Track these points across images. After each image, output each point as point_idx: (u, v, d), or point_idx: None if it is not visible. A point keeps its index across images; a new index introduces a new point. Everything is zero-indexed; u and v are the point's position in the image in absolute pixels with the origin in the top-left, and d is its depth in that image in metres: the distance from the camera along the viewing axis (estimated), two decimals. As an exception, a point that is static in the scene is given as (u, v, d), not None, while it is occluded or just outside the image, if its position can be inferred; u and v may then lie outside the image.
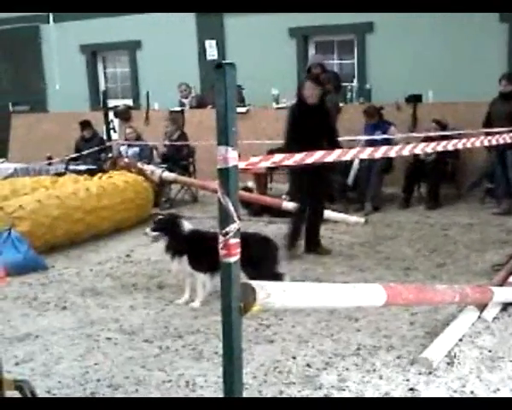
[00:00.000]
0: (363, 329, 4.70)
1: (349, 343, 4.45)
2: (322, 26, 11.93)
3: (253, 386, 3.84)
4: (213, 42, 12.95)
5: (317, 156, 3.60)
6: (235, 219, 2.72)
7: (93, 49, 14.31)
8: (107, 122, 10.15)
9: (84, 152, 10.42)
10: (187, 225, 5.45)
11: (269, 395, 3.74)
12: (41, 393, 3.72)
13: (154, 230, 5.40)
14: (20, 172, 10.69)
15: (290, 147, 5.89)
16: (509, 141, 5.27)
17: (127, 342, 4.66)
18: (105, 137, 10.31)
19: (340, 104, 10.10)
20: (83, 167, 10.10)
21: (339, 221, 7.98)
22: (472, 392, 3.70)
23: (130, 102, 13.84)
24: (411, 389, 3.75)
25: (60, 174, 9.55)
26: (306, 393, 3.75)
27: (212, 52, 12.96)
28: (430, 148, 4.49)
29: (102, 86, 14.37)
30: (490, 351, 4.23)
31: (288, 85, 10.89)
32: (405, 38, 11.29)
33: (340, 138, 7.04)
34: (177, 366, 4.21)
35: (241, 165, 2.82)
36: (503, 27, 10.78)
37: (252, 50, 12.13)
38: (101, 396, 3.82)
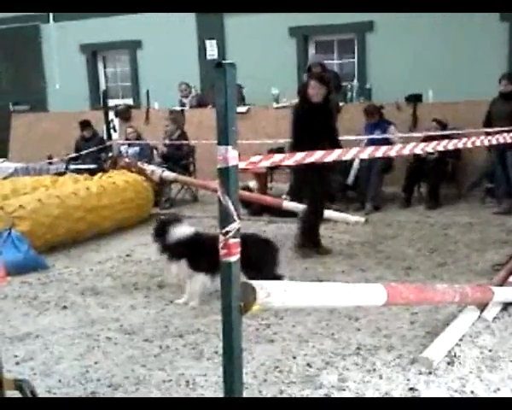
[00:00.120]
0: (363, 328, 4.70)
1: (349, 343, 4.45)
2: (323, 26, 11.94)
3: (253, 386, 3.84)
4: (213, 41, 12.96)
5: (317, 156, 3.60)
6: (236, 218, 2.72)
7: (93, 48, 14.32)
8: (108, 122, 10.15)
9: (84, 152, 10.42)
10: (184, 229, 5.38)
11: (269, 395, 3.74)
12: (41, 392, 3.72)
13: (154, 239, 5.41)
14: (20, 172, 10.69)
15: (296, 146, 5.89)
16: (509, 141, 5.27)
17: (127, 341, 4.66)
18: (105, 137, 10.31)
19: (340, 104, 10.11)
20: (83, 167, 10.11)
21: (339, 221, 7.98)
22: (472, 392, 3.70)
23: (130, 101, 13.86)
24: (411, 389, 3.75)
25: (60, 174, 9.55)
26: (307, 393, 3.75)
27: (212, 51, 12.97)
28: (430, 147, 4.49)
29: (103, 86, 14.38)
30: (490, 351, 4.22)
31: (288, 85, 10.91)
32: (405, 38, 11.30)
33: (339, 138, 7.03)
34: (178, 365, 4.21)
35: (242, 164, 2.82)
36: (503, 27, 10.79)
37: (252, 50, 12.14)
38: (102, 396, 3.82)
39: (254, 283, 2.84)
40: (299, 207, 8.17)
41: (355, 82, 11.56)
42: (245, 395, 3.00)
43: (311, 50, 12.53)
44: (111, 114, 11.41)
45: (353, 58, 12.30)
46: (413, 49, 11.22)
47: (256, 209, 8.65)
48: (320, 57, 10.80)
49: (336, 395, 3.72)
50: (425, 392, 3.71)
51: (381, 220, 8.22)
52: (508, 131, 5.56)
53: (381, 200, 9.03)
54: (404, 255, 6.62)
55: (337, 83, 9.88)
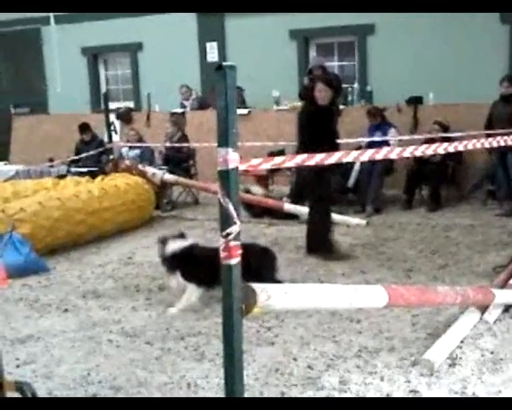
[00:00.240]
0: (364, 330, 4.70)
1: (351, 345, 4.45)
2: (323, 28, 11.95)
3: (254, 388, 3.84)
4: (214, 44, 12.97)
5: (317, 159, 3.60)
6: (236, 220, 2.72)
7: (94, 51, 14.34)
8: (109, 124, 10.16)
9: (84, 155, 10.42)
10: (180, 243, 5.43)
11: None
12: (42, 395, 3.72)
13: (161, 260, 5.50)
14: (21, 175, 10.68)
15: (303, 149, 5.90)
16: (510, 143, 5.26)
17: (129, 343, 4.65)
18: (106, 140, 10.32)
19: (341, 106, 10.11)
20: (84, 170, 10.11)
21: (340, 223, 7.97)
22: (474, 394, 3.69)
23: (131, 104, 13.87)
24: (413, 391, 3.75)
25: (61, 176, 9.56)
26: (308, 395, 3.75)
27: (212, 54, 12.98)
28: (431, 150, 4.49)
29: (103, 88, 14.39)
30: (492, 353, 4.22)
31: (288, 87, 10.92)
32: (406, 40, 11.30)
33: (340, 141, 7.04)
34: (179, 367, 4.20)
35: (242, 167, 2.82)
36: (504, 29, 10.79)
37: (252, 52, 12.15)
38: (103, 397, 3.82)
39: (255, 285, 2.84)
40: (300, 209, 8.21)
41: (356, 85, 11.57)
42: (246, 396, 3.00)
43: (312, 53, 12.53)
44: (112, 117, 11.42)
45: (354, 61, 12.32)
46: (414, 51, 11.22)
47: (257, 212, 8.64)
48: (321, 60, 10.79)
49: (337, 396, 3.71)
50: (426, 394, 3.71)
51: (382, 223, 8.22)
52: (509, 134, 5.56)
53: (381, 202, 9.02)
54: (405, 257, 6.61)
55: (338, 85, 9.87)
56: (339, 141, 6.92)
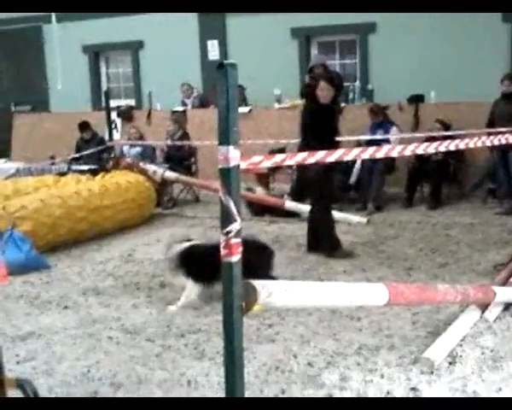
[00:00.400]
0: (364, 328, 4.70)
1: (351, 343, 4.45)
2: (325, 27, 11.95)
3: (254, 385, 3.84)
4: (215, 42, 12.97)
5: (318, 156, 3.60)
6: (237, 218, 2.72)
7: (95, 49, 14.34)
8: (110, 122, 10.16)
9: (85, 152, 10.43)
10: (182, 244, 5.47)
11: (270, 395, 3.74)
12: (42, 392, 3.72)
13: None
14: (22, 172, 10.69)
15: (305, 148, 5.90)
16: (511, 141, 5.26)
17: (129, 341, 4.66)
18: (107, 137, 10.33)
19: (342, 105, 10.10)
20: (85, 167, 10.12)
21: (341, 221, 7.97)
22: (474, 392, 3.70)
23: (132, 102, 13.87)
24: (413, 389, 3.75)
25: (62, 174, 9.57)
26: (308, 392, 3.75)
27: (214, 52, 12.98)
28: (432, 148, 4.49)
29: (104, 86, 14.39)
30: (492, 351, 4.22)
31: (290, 86, 10.92)
32: (408, 39, 11.30)
33: (341, 138, 7.05)
34: (179, 365, 4.21)
35: (243, 164, 2.82)
36: (505, 27, 10.79)
37: (254, 50, 12.15)
38: (103, 395, 3.83)
39: (256, 282, 2.84)
40: (300, 207, 8.21)
41: (357, 83, 11.57)
42: (246, 394, 3.00)
43: (313, 51, 12.53)
44: (113, 115, 11.43)
45: (355, 59, 12.31)
46: (415, 49, 11.22)
47: (258, 209, 8.65)
48: (322, 58, 10.75)
49: (338, 394, 3.72)
50: (426, 392, 3.71)
51: (382, 221, 8.22)
52: (510, 132, 5.56)
53: (382, 200, 9.03)
54: (405, 255, 6.62)
55: (340, 84, 9.86)
56: (340, 139, 6.92)
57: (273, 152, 8.77)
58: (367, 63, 12.02)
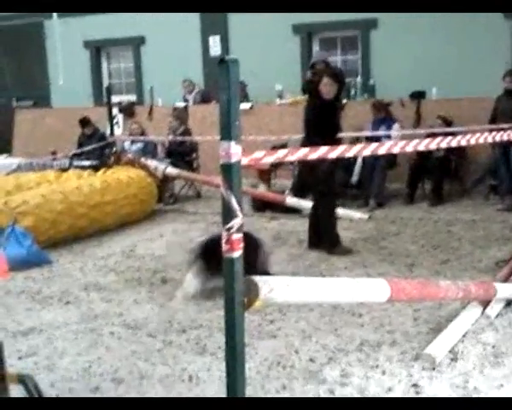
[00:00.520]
0: (366, 324, 4.71)
1: (352, 339, 4.45)
2: (326, 23, 11.94)
3: (256, 380, 3.85)
4: (217, 38, 12.96)
5: (320, 152, 3.60)
6: (238, 213, 2.72)
7: (97, 44, 14.34)
8: (111, 118, 10.16)
9: (87, 148, 10.43)
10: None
11: (272, 390, 3.75)
12: (44, 387, 3.71)
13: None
14: (24, 168, 10.69)
15: (309, 143, 5.90)
16: (513, 137, 5.25)
17: (131, 336, 4.67)
18: (108, 133, 10.32)
19: (344, 100, 10.08)
20: (86, 163, 10.12)
21: (343, 217, 7.96)
22: (475, 388, 3.70)
23: (133, 97, 13.87)
24: (414, 385, 3.76)
25: (64, 170, 9.57)
26: (309, 388, 3.76)
27: (215, 48, 12.97)
28: (434, 144, 4.48)
29: (106, 82, 14.39)
30: (493, 347, 4.23)
31: (291, 82, 10.91)
32: (409, 35, 11.29)
33: (343, 134, 7.04)
34: (181, 360, 4.21)
35: (245, 160, 2.81)
36: (507, 24, 10.78)
37: (255, 46, 12.14)
38: (105, 391, 3.83)
39: (257, 278, 2.84)
40: (302, 203, 8.21)
41: (359, 79, 11.55)
42: (248, 390, 3.01)
43: (315, 47, 12.52)
44: (115, 111, 11.42)
45: (357, 55, 12.30)
46: (417, 46, 11.20)
47: (259, 205, 8.65)
48: (324, 54, 10.76)
49: (339, 390, 3.72)
50: (428, 388, 3.72)
51: (384, 217, 8.22)
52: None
53: (384, 197, 9.02)
54: (407, 252, 6.62)
55: (342, 80, 9.85)
56: (341, 134, 6.91)
57: (275, 148, 8.77)
58: (369, 59, 12.01)
